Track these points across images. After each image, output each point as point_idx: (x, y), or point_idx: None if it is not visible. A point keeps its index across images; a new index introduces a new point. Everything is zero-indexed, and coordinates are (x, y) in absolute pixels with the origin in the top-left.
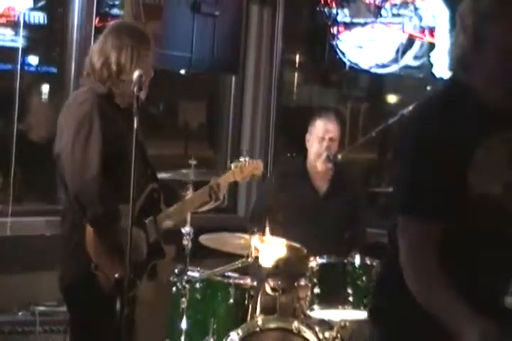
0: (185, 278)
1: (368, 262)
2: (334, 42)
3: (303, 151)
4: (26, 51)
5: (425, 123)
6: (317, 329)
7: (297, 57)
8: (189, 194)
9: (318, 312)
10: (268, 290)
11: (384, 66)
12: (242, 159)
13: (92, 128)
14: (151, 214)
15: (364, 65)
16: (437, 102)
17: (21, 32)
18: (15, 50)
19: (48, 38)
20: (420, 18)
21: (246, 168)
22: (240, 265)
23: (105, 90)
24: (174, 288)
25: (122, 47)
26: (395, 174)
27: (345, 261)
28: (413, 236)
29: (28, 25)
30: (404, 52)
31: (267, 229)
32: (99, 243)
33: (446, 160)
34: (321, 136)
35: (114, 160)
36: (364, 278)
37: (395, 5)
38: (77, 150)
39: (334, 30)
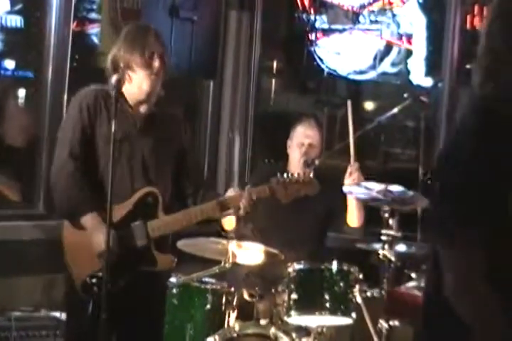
0: None
1: (345, 268)
2: (312, 49)
3: (281, 158)
4: (2, 55)
5: None
6: (294, 335)
7: (275, 63)
8: None
9: (295, 318)
10: (245, 295)
11: (362, 72)
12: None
13: (65, 129)
14: (143, 219)
15: (342, 72)
16: None
17: None
18: None
19: (24, 42)
20: (398, 25)
21: (292, 184)
22: (217, 270)
23: (104, 89)
24: None
25: (122, 39)
26: None
27: (323, 266)
28: None
29: (4, 29)
30: (381, 59)
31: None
32: (68, 239)
33: None
34: (300, 141)
35: (94, 158)
36: (341, 284)
37: (373, 11)
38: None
39: (312, 36)
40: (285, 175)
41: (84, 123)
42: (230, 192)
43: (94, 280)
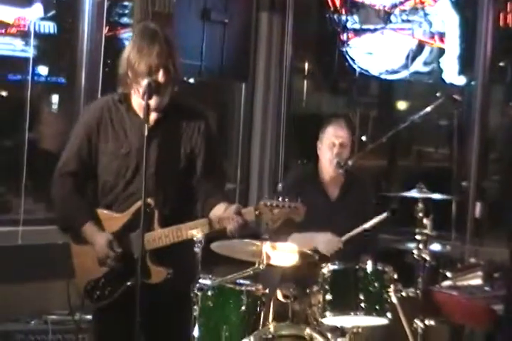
0: (197, 285)
1: (380, 268)
2: (344, 49)
3: (314, 158)
4: (36, 61)
5: None
6: (329, 336)
7: (307, 64)
8: None
9: (330, 319)
10: (280, 297)
11: (394, 72)
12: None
13: (74, 136)
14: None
15: (374, 72)
16: None
17: (32, 42)
18: (26, 60)
19: (57, 48)
20: (430, 24)
21: (279, 209)
22: (251, 272)
23: (117, 96)
24: None
25: (131, 45)
26: None
27: (357, 267)
28: None
29: (37, 35)
30: (414, 58)
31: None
32: (74, 254)
33: None
34: (331, 142)
35: (95, 173)
36: (376, 284)
37: (405, 11)
38: None
39: (344, 36)
40: (274, 199)
41: (84, 143)
42: (218, 210)
43: (91, 287)
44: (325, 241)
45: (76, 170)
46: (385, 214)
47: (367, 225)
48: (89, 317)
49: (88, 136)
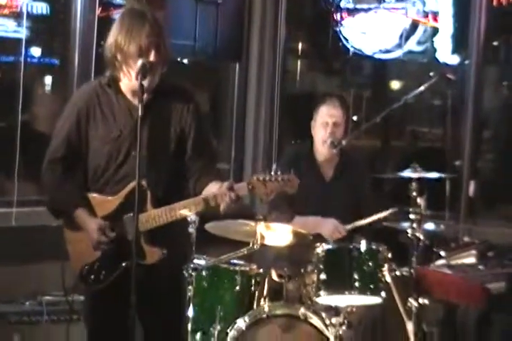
0: (192, 266)
1: (374, 247)
2: (338, 29)
3: (308, 138)
4: (29, 42)
5: None
6: (324, 315)
7: (300, 44)
8: None
9: (324, 298)
10: (274, 276)
11: (388, 51)
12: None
13: (63, 121)
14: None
15: (368, 51)
16: None
17: (24, 23)
18: (18, 41)
19: (50, 29)
20: (423, 3)
21: (272, 182)
22: (245, 252)
23: (105, 79)
24: None
25: (119, 27)
26: None
27: (351, 246)
28: None
29: (30, 16)
30: (407, 38)
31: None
32: (68, 240)
33: None
34: (325, 121)
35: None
36: (370, 264)
37: None
38: None
39: (337, 16)
40: (267, 173)
41: (73, 128)
42: (212, 188)
43: (87, 271)
44: (330, 228)
45: (66, 155)
46: (390, 210)
47: (372, 218)
48: (83, 298)
49: (77, 121)
